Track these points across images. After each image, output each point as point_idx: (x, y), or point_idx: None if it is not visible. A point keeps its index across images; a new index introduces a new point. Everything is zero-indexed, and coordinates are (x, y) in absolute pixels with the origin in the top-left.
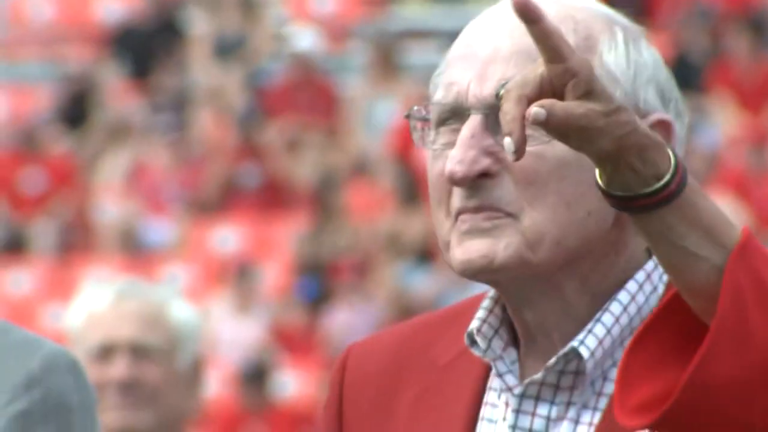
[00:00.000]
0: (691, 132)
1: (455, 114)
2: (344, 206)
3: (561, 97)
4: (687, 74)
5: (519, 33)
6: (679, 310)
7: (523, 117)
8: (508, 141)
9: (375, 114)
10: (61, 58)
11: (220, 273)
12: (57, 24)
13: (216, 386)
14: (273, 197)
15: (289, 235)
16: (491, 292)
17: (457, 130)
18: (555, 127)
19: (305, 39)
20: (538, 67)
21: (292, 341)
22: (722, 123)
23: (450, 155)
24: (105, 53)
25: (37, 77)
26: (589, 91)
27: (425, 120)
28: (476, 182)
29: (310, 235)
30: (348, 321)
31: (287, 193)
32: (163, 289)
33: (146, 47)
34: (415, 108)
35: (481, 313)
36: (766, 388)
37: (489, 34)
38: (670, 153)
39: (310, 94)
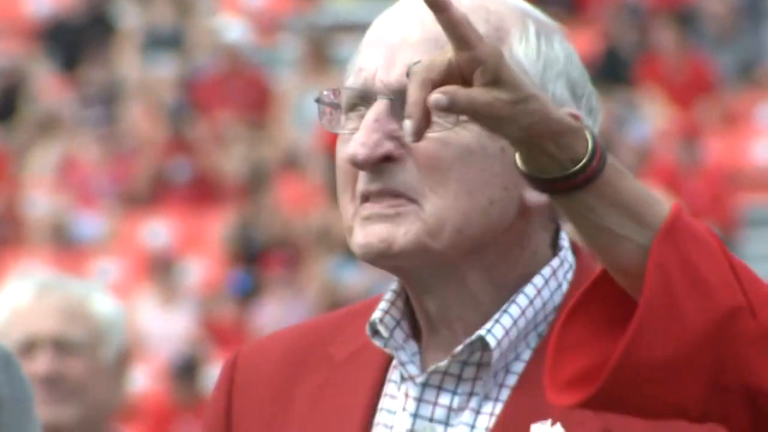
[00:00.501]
0: (621, 126)
1: (363, 99)
2: (274, 200)
3: (469, 84)
4: (616, 68)
5: (429, 21)
6: (608, 286)
7: (423, 100)
8: (407, 123)
9: (306, 107)
10: None
11: (150, 267)
12: None
13: (146, 381)
14: (203, 191)
15: (219, 228)
16: (394, 285)
17: (360, 113)
18: (460, 113)
19: (234, 30)
20: (446, 53)
21: (223, 335)
22: (652, 117)
23: (354, 138)
24: (35, 47)
25: None
26: (496, 79)
27: (335, 105)
28: (379, 166)
29: (239, 229)
30: (279, 314)
31: (218, 187)
32: (86, 283)
33: (76, 41)
34: (325, 93)
35: (383, 305)
36: (698, 369)
37: (399, 22)
38: (588, 137)
39: (241, 87)
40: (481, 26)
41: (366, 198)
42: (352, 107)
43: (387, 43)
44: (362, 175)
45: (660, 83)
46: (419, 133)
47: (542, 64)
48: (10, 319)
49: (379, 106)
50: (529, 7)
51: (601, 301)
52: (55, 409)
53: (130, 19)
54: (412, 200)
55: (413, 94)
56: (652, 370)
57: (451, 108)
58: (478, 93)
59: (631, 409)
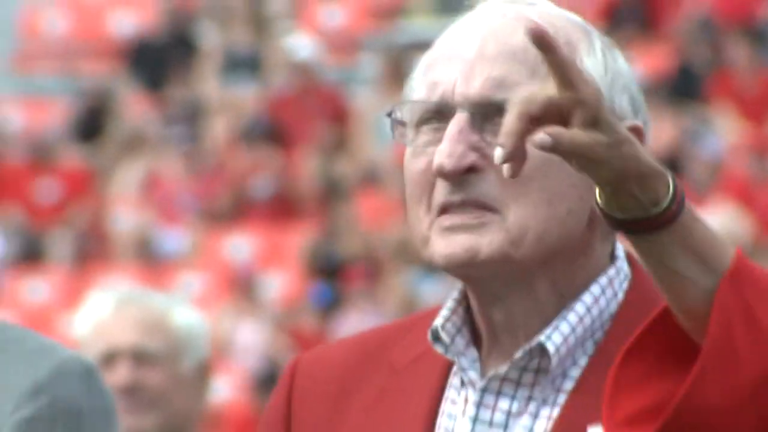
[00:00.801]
0: (695, 141)
1: (439, 113)
2: (354, 214)
3: (566, 121)
4: (689, 84)
5: (503, 34)
6: (669, 326)
7: (520, 133)
8: (498, 152)
9: (384, 124)
10: (75, 72)
11: (232, 281)
12: (71, 38)
13: (229, 391)
14: (284, 207)
15: (299, 243)
16: (455, 293)
17: (439, 129)
18: (560, 154)
19: (305, 49)
20: (547, 87)
21: (305, 346)
22: (724, 132)
23: (439, 149)
24: (119, 66)
25: (52, 90)
26: (596, 121)
27: (401, 122)
28: (462, 177)
29: (319, 243)
30: (359, 326)
31: (298, 203)
32: (166, 296)
33: (160, 61)
34: (396, 108)
35: (444, 312)
36: (752, 409)
37: (473, 35)
38: (670, 181)
39: (318, 105)
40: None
41: (445, 209)
42: (425, 121)
43: (463, 57)
44: (441, 187)
45: (732, 98)
46: (509, 160)
47: (610, 78)
48: (92, 331)
49: (461, 118)
50: (589, 24)
51: (659, 339)
52: (135, 418)
53: (210, 39)
54: (495, 210)
55: (510, 125)
56: (711, 410)
57: (555, 149)
58: (580, 135)
59: None
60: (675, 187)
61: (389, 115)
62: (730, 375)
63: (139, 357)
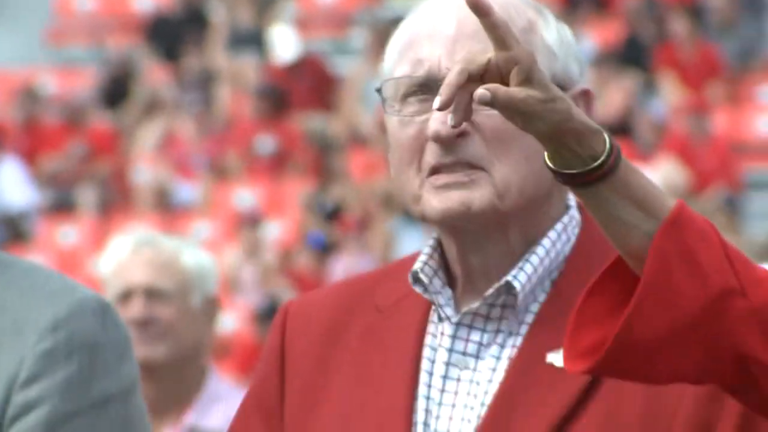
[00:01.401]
0: (642, 104)
1: (426, 86)
2: (344, 170)
3: (506, 82)
4: (637, 54)
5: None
6: (623, 269)
7: (457, 85)
8: (436, 101)
9: (369, 91)
10: (102, 45)
11: (238, 226)
12: (99, 14)
13: (236, 324)
14: (284, 163)
15: (297, 194)
16: (431, 241)
17: (427, 100)
18: (499, 108)
19: (290, 47)
20: (488, 51)
21: (302, 284)
22: (668, 96)
23: (433, 118)
24: (140, 40)
25: (82, 61)
26: (530, 78)
27: (388, 96)
28: (453, 140)
29: (316, 194)
30: (350, 267)
31: (296, 159)
32: (178, 239)
33: (175, 34)
34: (383, 85)
35: (423, 258)
36: (694, 343)
37: (450, 14)
38: (606, 138)
39: (312, 74)
40: (515, 18)
41: (437, 170)
42: (411, 94)
43: (445, 35)
44: (432, 150)
45: (674, 67)
46: (445, 106)
47: (564, 48)
48: (112, 271)
49: (444, 93)
50: (538, 3)
51: (615, 282)
52: (149, 349)
53: (219, 15)
54: (483, 169)
55: (449, 78)
56: (651, 343)
57: (492, 102)
58: (515, 90)
59: (633, 375)
60: (611, 143)
61: (378, 90)
62: (668, 309)
63: (152, 294)
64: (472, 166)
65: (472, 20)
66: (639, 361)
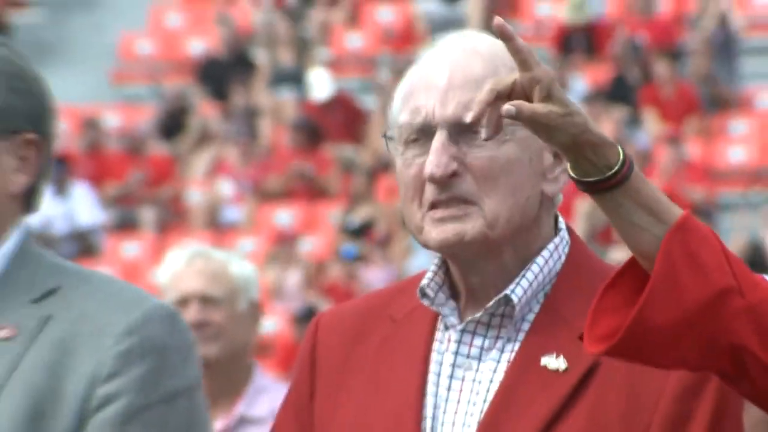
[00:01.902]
0: (629, 135)
1: (423, 131)
2: (371, 192)
3: (530, 99)
4: (624, 93)
5: (466, 65)
6: (636, 267)
7: (487, 101)
8: (469, 114)
9: None
10: (160, 84)
11: (279, 242)
12: (157, 58)
13: (277, 327)
14: (319, 187)
15: (330, 213)
16: (436, 260)
17: (424, 144)
18: (523, 121)
19: (324, 86)
20: (514, 74)
21: (336, 290)
22: (650, 129)
23: (428, 161)
24: (193, 80)
25: (142, 98)
26: (550, 95)
27: (391, 139)
28: (447, 180)
29: (346, 214)
30: (376, 276)
31: (329, 184)
32: (226, 252)
33: (223, 75)
34: (389, 131)
35: (429, 275)
36: (696, 333)
37: (442, 68)
38: (620, 150)
39: (343, 109)
40: (500, 68)
41: (435, 205)
42: (412, 140)
43: (437, 86)
44: (430, 188)
45: (656, 104)
46: (476, 120)
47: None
48: (169, 280)
49: (441, 135)
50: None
51: (630, 278)
52: (202, 348)
53: (261, 58)
54: (474, 203)
55: (480, 96)
56: (659, 331)
57: (517, 116)
58: (538, 106)
59: (643, 359)
60: (624, 155)
61: (384, 136)
62: (675, 302)
63: (205, 300)
64: (465, 201)
65: (462, 73)
66: (648, 346)
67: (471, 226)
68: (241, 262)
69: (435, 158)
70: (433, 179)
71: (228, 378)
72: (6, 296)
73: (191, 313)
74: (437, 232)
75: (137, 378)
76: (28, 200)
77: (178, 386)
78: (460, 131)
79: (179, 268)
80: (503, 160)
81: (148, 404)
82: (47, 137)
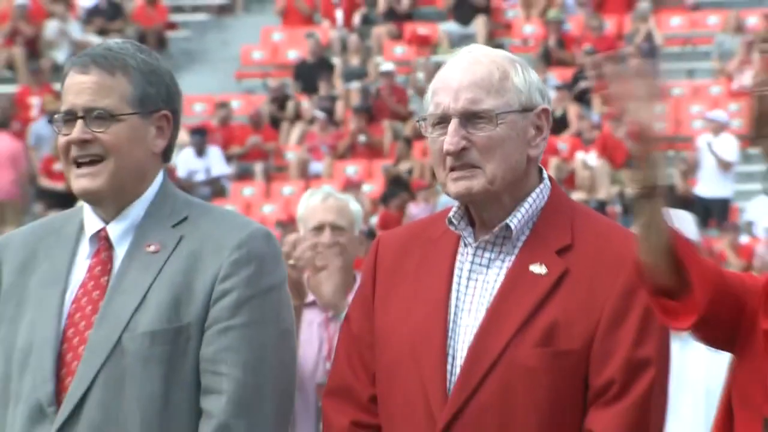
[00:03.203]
0: (586, 115)
1: (443, 119)
2: (412, 154)
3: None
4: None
5: (472, 70)
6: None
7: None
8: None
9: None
10: (268, 79)
11: (349, 188)
12: (267, 61)
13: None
14: (376, 149)
15: (383, 166)
16: (458, 202)
17: (444, 127)
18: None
19: (387, 66)
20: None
21: (388, 222)
22: (599, 110)
23: (446, 140)
24: (291, 76)
25: (257, 89)
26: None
27: (423, 120)
28: (459, 153)
29: (396, 168)
30: (418, 212)
31: (383, 147)
32: (345, 195)
33: (311, 73)
34: (420, 117)
35: (454, 209)
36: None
37: (455, 73)
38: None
39: (393, 96)
40: (495, 73)
41: (452, 169)
42: (435, 124)
43: (451, 87)
44: (449, 158)
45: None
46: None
47: (528, 85)
48: (307, 212)
49: (454, 122)
50: (514, 55)
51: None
52: (333, 260)
53: (337, 61)
54: (479, 168)
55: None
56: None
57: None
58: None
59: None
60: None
61: (418, 121)
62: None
63: (335, 228)
64: (472, 166)
65: (468, 78)
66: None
67: (476, 183)
68: (355, 202)
69: (450, 138)
70: (449, 153)
71: (348, 278)
72: (153, 223)
73: (326, 236)
74: (454, 187)
75: (245, 277)
76: (165, 156)
77: (272, 283)
78: (468, 119)
79: (316, 203)
80: (497, 138)
81: (252, 295)
82: (175, 112)
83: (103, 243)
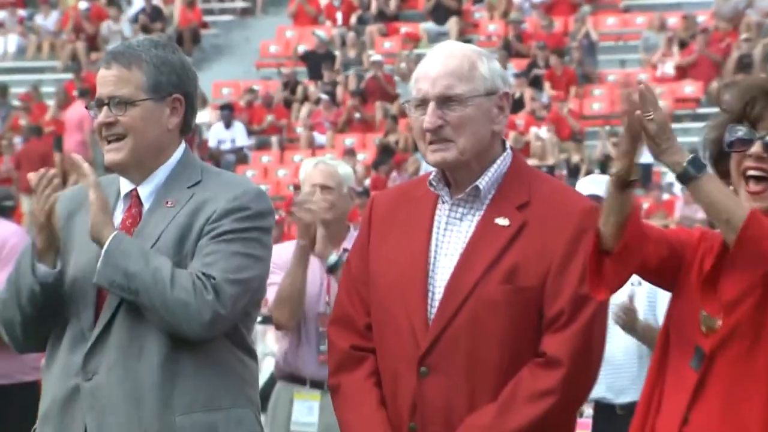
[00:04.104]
0: (537, 97)
1: (422, 102)
2: (398, 129)
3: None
4: (535, 73)
5: (447, 61)
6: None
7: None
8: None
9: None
10: (282, 67)
11: (346, 156)
12: (282, 53)
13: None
14: (368, 124)
15: (374, 139)
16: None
17: (424, 109)
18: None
19: (377, 57)
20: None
21: (379, 184)
22: (549, 93)
23: (425, 119)
24: (301, 66)
25: (272, 76)
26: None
27: (407, 102)
28: (436, 130)
29: (384, 140)
30: (398, 178)
31: (374, 123)
32: (337, 160)
33: (318, 63)
34: (405, 101)
35: (433, 174)
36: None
37: (433, 65)
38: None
39: (381, 83)
40: (464, 64)
41: (431, 142)
42: (417, 106)
43: (429, 76)
44: (427, 133)
45: (552, 79)
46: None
47: (492, 72)
48: (305, 176)
49: (432, 105)
50: (481, 49)
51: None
52: (323, 214)
53: (339, 53)
54: (452, 141)
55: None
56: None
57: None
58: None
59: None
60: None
61: (403, 103)
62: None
63: (325, 189)
64: (447, 140)
65: (443, 68)
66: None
67: (450, 154)
68: (344, 165)
69: (428, 118)
70: (428, 130)
71: (338, 230)
72: (172, 185)
73: (317, 196)
74: (432, 157)
75: (232, 220)
76: (183, 131)
77: (255, 226)
78: (443, 101)
79: (309, 169)
80: (467, 117)
81: (233, 231)
82: (188, 94)
83: (134, 201)
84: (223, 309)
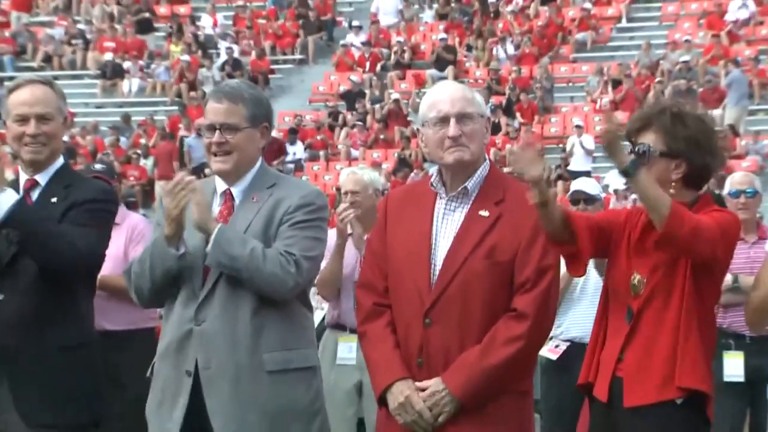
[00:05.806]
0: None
1: (443, 119)
2: (413, 144)
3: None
4: (509, 106)
5: (455, 91)
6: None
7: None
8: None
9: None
10: (327, 103)
11: (372, 165)
12: (327, 91)
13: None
14: (389, 142)
15: (394, 153)
16: (435, 168)
17: (444, 126)
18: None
19: (395, 95)
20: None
21: (395, 185)
22: (519, 120)
23: (449, 131)
24: (340, 101)
25: (320, 108)
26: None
27: (423, 125)
28: (458, 138)
29: (402, 153)
30: (413, 179)
31: (394, 140)
32: (365, 168)
33: (354, 99)
34: (422, 121)
35: (434, 174)
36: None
37: (446, 93)
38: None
39: (399, 112)
40: (468, 93)
41: (451, 146)
42: (436, 123)
43: (447, 99)
44: (448, 140)
45: (520, 111)
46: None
47: (480, 103)
48: (341, 183)
49: (453, 120)
50: (473, 90)
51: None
52: (356, 210)
53: (366, 91)
54: (467, 147)
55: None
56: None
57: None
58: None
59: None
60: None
61: (417, 128)
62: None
63: (353, 192)
64: (463, 145)
65: (456, 94)
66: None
67: (466, 155)
68: (371, 172)
69: (453, 129)
70: (452, 137)
71: (371, 220)
72: (256, 186)
73: (348, 198)
74: (452, 156)
75: (303, 213)
76: (267, 151)
77: (317, 218)
78: (460, 118)
79: (345, 177)
80: (476, 129)
81: (305, 221)
82: (270, 123)
83: (228, 197)
84: (300, 278)
